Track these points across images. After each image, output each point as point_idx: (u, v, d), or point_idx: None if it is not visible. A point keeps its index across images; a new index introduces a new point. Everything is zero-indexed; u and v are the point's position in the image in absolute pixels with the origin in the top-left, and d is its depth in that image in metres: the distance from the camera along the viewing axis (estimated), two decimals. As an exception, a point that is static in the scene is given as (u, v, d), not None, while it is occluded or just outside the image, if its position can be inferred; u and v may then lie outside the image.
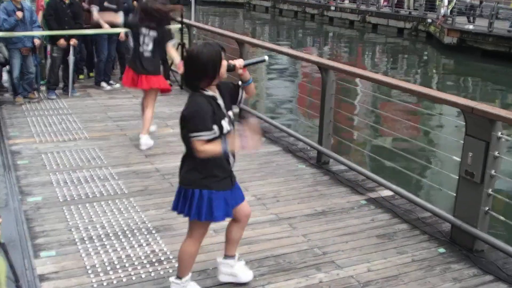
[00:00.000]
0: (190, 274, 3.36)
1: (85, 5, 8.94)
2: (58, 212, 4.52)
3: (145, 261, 3.80)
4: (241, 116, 7.07)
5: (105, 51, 9.00)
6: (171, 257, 3.87)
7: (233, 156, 3.23)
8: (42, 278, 3.54)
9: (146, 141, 6.26)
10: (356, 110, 12.75)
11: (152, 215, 4.54)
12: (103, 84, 9.19)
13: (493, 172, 3.91)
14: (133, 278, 3.59)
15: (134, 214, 4.55)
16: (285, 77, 16.90)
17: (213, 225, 4.30)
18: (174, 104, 8.24)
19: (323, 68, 5.73)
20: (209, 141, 3.00)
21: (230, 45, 8.08)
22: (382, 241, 4.23)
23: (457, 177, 4.19)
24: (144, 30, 6.17)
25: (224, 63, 3.08)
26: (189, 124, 3.04)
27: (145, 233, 4.22)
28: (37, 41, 7.98)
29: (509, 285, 3.67)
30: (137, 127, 6.93)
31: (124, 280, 3.56)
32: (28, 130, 6.78)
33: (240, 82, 3.27)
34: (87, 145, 6.28)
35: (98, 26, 8.73)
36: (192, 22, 9.87)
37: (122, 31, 9.12)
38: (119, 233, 4.20)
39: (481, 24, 22.92)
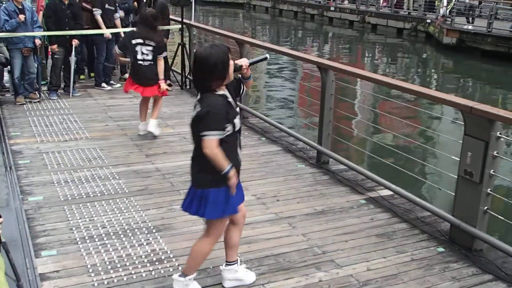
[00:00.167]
0: (195, 274, 3.38)
1: (85, 5, 8.95)
2: (59, 212, 4.54)
3: (145, 260, 3.82)
4: (241, 116, 7.08)
5: (104, 53, 9.02)
6: (171, 256, 3.89)
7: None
8: (43, 277, 3.56)
9: (143, 127, 6.64)
10: (356, 110, 12.77)
11: (152, 214, 4.55)
12: (104, 84, 9.21)
13: (492, 171, 3.93)
14: (134, 277, 3.61)
15: (134, 213, 4.57)
16: (285, 77, 16.91)
17: (213, 225, 4.33)
18: (174, 104, 8.27)
19: (322, 68, 5.75)
20: (221, 140, 3.05)
21: (230, 45, 8.09)
22: (382, 240, 4.25)
23: (456, 177, 4.21)
24: (140, 41, 6.40)
25: (231, 63, 3.13)
26: (204, 123, 3.03)
27: (146, 232, 4.24)
28: (38, 42, 7.99)
29: (508, 284, 3.69)
30: (137, 127, 6.95)
31: (125, 279, 3.58)
32: (29, 130, 6.80)
33: (240, 77, 3.32)
34: (88, 144, 6.30)
35: (98, 27, 8.78)
36: (192, 22, 9.87)
37: (122, 31, 9.16)
38: (120, 232, 4.22)
39: (480, 25, 22.94)
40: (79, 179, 5.26)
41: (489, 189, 3.98)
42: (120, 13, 9.32)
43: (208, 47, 3.10)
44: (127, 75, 9.89)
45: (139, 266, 3.74)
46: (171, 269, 3.71)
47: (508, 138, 4.14)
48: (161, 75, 6.58)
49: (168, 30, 9.50)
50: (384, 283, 3.65)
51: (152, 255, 3.90)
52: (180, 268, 3.72)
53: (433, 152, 9.36)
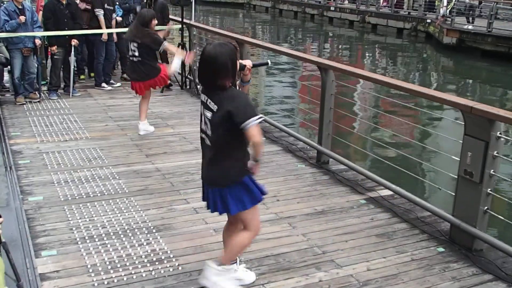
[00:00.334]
0: (235, 264, 3.47)
1: (82, 5, 8.94)
2: (59, 212, 4.54)
3: (145, 260, 3.82)
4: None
5: (103, 53, 9.02)
6: (171, 256, 3.89)
7: None
8: (43, 277, 3.56)
9: (143, 126, 6.76)
10: (356, 110, 12.77)
11: (152, 214, 4.56)
12: (104, 84, 9.21)
13: (492, 171, 3.93)
14: (134, 277, 3.61)
15: (134, 213, 4.57)
16: (285, 77, 16.91)
17: (213, 225, 4.35)
18: (174, 104, 8.27)
19: (322, 68, 5.75)
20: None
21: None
22: (382, 240, 4.25)
23: (456, 177, 4.20)
24: (130, 38, 6.60)
25: (237, 62, 3.16)
26: (242, 113, 3.02)
27: (146, 232, 4.24)
28: (38, 42, 7.99)
29: (508, 284, 3.69)
30: (137, 127, 6.96)
31: (125, 279, 3.58)
32: (29, 130, 6.80)
33: (239, 81, 3.32)
34: (88, 144, 6.30)
35: (97, 27, 8.78)
36: (192, 22, 9.87)
37: (121, 31, 9.16)
38: (120, 232, 4.22)
39: (480, 25, 22.94)
40: (79, 179, 5.27)
41: (489, 189, 3.98)
42: (118, 19, 9.28)
43: (217, 45, 3.10)
44: (126, 75, 9.94)
45: (139, 266, 3.74)
46: (171, 269, 3.71)
47: (508, 138, 4.13)
48: (178, 53, 6.75)
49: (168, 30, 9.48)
50: (384, 283, 3.65)
51: (152, 255, 3.90)
52: (180, 268, 3.72)
53: (433, 152, 9.35)
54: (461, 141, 4.13)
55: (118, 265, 3.74)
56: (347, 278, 3.69)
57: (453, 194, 4.27)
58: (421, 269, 3.84)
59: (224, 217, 4.30)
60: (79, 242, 4.03)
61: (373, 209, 4.83)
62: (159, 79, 6.79)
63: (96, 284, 3.50)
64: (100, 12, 8.75)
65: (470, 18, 24.45)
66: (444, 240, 4.26)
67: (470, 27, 23.40)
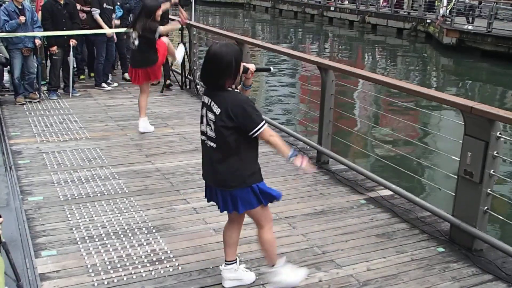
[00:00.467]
0: (280, 259, 3.47)
1: (84, 8, 8.94)
2: (59, 212, 4.54)
3: (145, 260, 3.82)
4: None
5: (104, 53, 9.01)
6: (171, 256, 3.89)
7: None
8: (43, 277, 3.55)
9: (143, 123, 6.82)
10: (356, 110, 12.77)
11: (152, 214, 4.55)
12: (104, 84, 9.22)
13: (492, 171, 3.93)
14: (134, 277, 3.60)
15: (134, 213, 4.57)
16: (285, 77, 16.91)
17: (213, 225, 4.35)
18: (174, 104, 8.27)
19: (322, 68, 5.75)
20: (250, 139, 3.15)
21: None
22: (382, 240, 4.25)
23: (456, 177, 4.21)
24: (134, 27, 6.73)
25: (241, 64, 3.17)
26: (250, 121, 3.06)
27: (146, 232, 4.24)
28: (38, 42, 7.99)
29: (508, 284, 3.69)
30: (137, 127, 6.96)
31: (125, 279, 3.58)
32: (29, 130, 6.80)
33: (240, 85, 3.32)
34: (87, 144, 6.30)
35: (97, 27, 8.77)
36: (192, 22, 9.87)
37: (121, 31, 9.15)
38: (120, 232, 4.22)
39: (480, 25, 22.95)
40: (79, 179, 5.26)
41: (489, 189, 3.98)
42: (116, 22, 9.26)
43: (223, 45, 3.11)
44: (127, 75, 9.94)
45: (139, 266, 3.74)
46: (171, 269, 3.71)
47: (508, 138, 4.13)
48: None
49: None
50: (384, 283, 3.65)
51: (152, 255, 3.90)
52: (180, 268, 3.72)
53: (433, 152, 9.35)
54: (461, 141, 4.13)
55: (118, 265, 3.74)
56: (347, 278, 3.69)
57: (453, 194, 4.27)
58: (421, 269, 3.84)
59: (224, 217, 4.30)
60: (79, 242, 4.03)
61: (373, 209, 4.83)
62: (154, 70, 6.82)
63: (96, 284, 3.50)
64: (95, 11, 8.73)
65: (470, 18, 24.45)
66: (444, 240, 4.26)
67: (470, 27, 23.41)
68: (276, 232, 4.27)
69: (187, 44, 9.28)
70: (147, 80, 6.90)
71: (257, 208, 3.27)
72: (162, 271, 3.68)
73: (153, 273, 3.66)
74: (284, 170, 5.70)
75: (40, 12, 8.69)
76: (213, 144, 3.18)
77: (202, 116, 3.26)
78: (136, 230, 4.27)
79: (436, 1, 26.82)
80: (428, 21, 26.94)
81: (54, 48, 8.17)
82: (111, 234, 4.19)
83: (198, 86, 9.11)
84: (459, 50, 22.48)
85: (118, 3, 9.37)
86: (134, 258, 3.85)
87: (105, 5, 8.84)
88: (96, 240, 4.08)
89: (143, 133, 6.80)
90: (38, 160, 5.74)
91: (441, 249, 4.13)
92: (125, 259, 3.82)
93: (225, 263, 3.51)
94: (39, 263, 3.70)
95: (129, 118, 7.48)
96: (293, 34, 32.96)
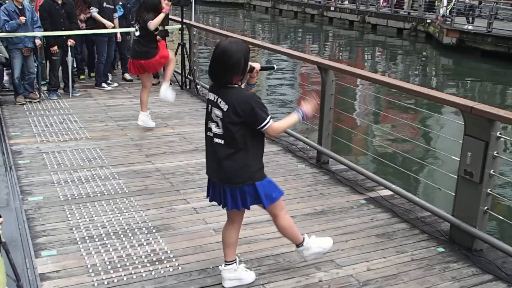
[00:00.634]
0: (305, 235, 3.59)
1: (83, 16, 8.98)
2: (59, 212, 4.54)
3: (145, 260, 3.82)
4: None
5: (105, 53, 9.01)
6: (171, 256, 3.89)
7: None
8: (43, 277, 3.55)
9: (143, 117, 6.85)
10: (356, 110, 12.77)
11: (152, 214, 4.56)
12: (104, 84, 9.22)
13: (492, 171, 3.93)
14: (134, 277, 3.60)
15: (134, 213, 4.57)
16: (285, 77, 16.91)
17: (213, 225, 4.36)
18: (174, 104, 8.25)
19: (322, 68, 5.75)
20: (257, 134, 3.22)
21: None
22: (382, 240, 4.25)
23: (456, 177, 4.21)
24: (137, 19, 6.84)
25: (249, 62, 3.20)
26: (258, 117, 3.11)
27: (146, 232, 4.24)
28: (38, 42, 7.98)
29: (508, 284, 3.69)
30: (137, 127, 6.96)
31: (125, 279, 3.58)
32: (29, 130, 6.80)
33: (245, 83, 3.35)
34: (88, 144, 6.31)
35: (98, 27, 8.77)
36: (192, 22, 9.87)
37: (121, 31, 9.16)
38: (120, 232, 4.22)
39: (480, 25, 22.95)
40: (79, 179, 5.27)
41: (489, 189, 3.98)
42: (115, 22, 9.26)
43: (233, 42, 3.14)
44: (127, 75, 9.95)
45: (139, 266, 3.74)
46: (171, 269, 3.71)
47: (508, 138, 4.13)
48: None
49: (167, 30, 9.49)
50: (384, 283, 3.65)
51: (152, 255, 3.90)
52: (180, 268, 3.72)
53: (433, 152, 9.36)
54: (461, 141, 4.13)
55: (118, 265, 3.74)
56: (347, 278, 3.69)
57: (453, 194, 4.27)
58: (421, 269, 3.84)
59: (224, 217, 4.30)
60: (79, 242, 4.03)
61: (373, 209, 4.83)
62: (151, 64, 6.78)
63: (96, 284, 3.50)
64: (94, 10, 8.72)
65: (470, 18, 24.46)
66: (444, 240, 4.26)
67: (470, 27, 23.42)
68: (276, 232, 4.25)
69: (187, 45, 9.29)
70: (141, 73, 6.88)
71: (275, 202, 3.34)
72: (162, 271, 3.68)
73: (153, 273, 3.66)
74: (284, 170, 5.70)
75: (38, 12, 8.69)
76: (220, 141, 3.19)
77: (207, 113, 3.27)
78: (136, 230, 4.27)
79: (436, 1, 26.83)
80: (428, 21, 26.94)
81: (55, 48, 8.17)
82: (111, 234, 4.19)
83: (198, 86, 9.11)
84: (459, 50, 22.48)
85: (120, 3, 9.37)
86: (134, 258, 3.85)
87: (105, 4, 8.82)
88: (96, 240, 4.08)
89: (142, 127, 6.82)
90: (38, 160, 5.74)
91: (441, 249, 4.13)
92: (125, 259, 3.82)
93: (225, 263, 3.51)
94: (39, 263, 3.70)
95: (129, 118, 7.48)
96: (293, 34, 32.96)
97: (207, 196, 3.50)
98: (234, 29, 30.11)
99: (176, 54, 9.33)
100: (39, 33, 8.00)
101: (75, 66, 9.37)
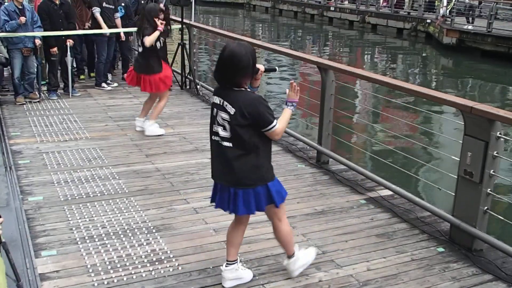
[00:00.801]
0: (295, 245, 3.62)
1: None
2: (59, 212, 4.54)
3: (145, 260, 3.82)
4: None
5: (105, 53, 9.00)
6: (171, 256, 3.89)
7: None
8: (43, 277, 3.56)
9: (150, 127, 6.73)
10: (356, 110, 12.77)
11: (152, 214, 4.56)
12: (104, 84, 9.22)
13: (492, 171, 3.93)
14: (134, 277, 3.60)
15: (134, 213, 4.57)
16: (285, 77, 16.91)
17: (213, 225, 4.36)
18: (174, 104, 8.26)
19: (322, 68, 5.75)
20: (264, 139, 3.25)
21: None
22: (382, 240, 4.25)
23: (456, 177, 4.21)
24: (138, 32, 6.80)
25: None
26: (265, 120, 3.14)
27: (146, 232, 4.24)
28: (38, 42, 7.98)
29: (508, 284, 3.69)
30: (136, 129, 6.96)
31: (125, 279, 3.58)
32: (29, 130, 6.80)
33: (247, 86, 3.34)
34: (87, 144, 6.30)
35: (98, 27, 8.77)
36: (192, 22, 9.87)
37: (121, 31, 9.16)
38: (120, 232, 4.22)
39: (480, 25, 22.95)
40: (79, 179, 5.27)
41: (489, 189, 3.98)
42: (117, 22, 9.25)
43: (241, 45, 3.16)
44: (127, 75, 9.94)
45: (139, 266, 3.74)
46: (171, 269, 3.71)
47: (508, 138, 4.13)
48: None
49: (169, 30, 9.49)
50: (384, 283, 3.65)
51: (152, 255, 3.90)
52: (180, 268, 3.72)
53: (433, 152, 9.36)
54: (461, 141, 4.13)
55: (118, 265, 3.74)
56: (347, 278, 3.69)
57: (453, 194, 4.27)
58: (421, 269, 3.84)
59: (224, 217, 4.31)
60: (79, 242, 4.03)
61: (373, 209, 4.83)
62: (152, 80, 6.60)
63: (96, 284, 3.50)
64: (96, 10, 8.72)
65: (470, 18, 24.46)
66: (444, 240, 4.26)
67: (470, 27, 23.42)
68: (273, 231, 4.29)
69: (187, 45, 9.30)
70: (137, 85, 6.77)
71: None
72: (162, 271, 3.68)
73: (153, 273, 3.66)
74: (284, 170, 5.70)
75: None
76: (228, 144, 3.19)
77: (213, 117, 3.27)
78: (136, 230, 4.27)
79: (436, 1, 26.83)
80: (428, 21, 26.94)
81: (55, 49, 8.16)
82: (111, 234, 4.19)
83: (198, 86, 9.11)
84: (459, 50, 22.48)
85: (123, 4, 9.36)
86: (134, 258, 3.85)
87: (104, 4, 8.81)
88: (96, 240, 4.08)
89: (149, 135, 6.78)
90: (38, 160, 5.74)
91: (441, 249, 4.13)
92: (125, 259, 3.82)
93: (227, 263, 3.51)
94: (39, 263, 3.70)
95: (129, 118, 7.47)
96: (293, 34, 32.96)
97: (212, 202, 3.47)
98: (234, 29, 30.11)
99: (176, 54, 9.36)
100: (39, 33, 8.00)
101: (75, 66, 9.38)
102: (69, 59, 8.41)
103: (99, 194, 4.93)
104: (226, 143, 3.20)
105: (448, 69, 21.86)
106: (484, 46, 21.88)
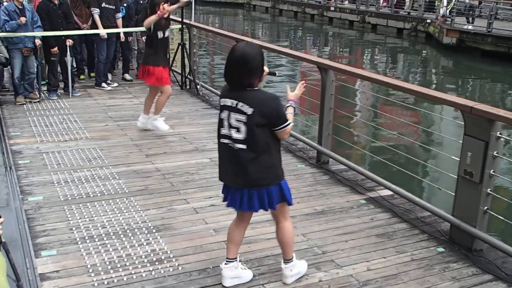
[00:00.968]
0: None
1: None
2: (59, 212, 4.54)
3: (145, 260, 3.82)
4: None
5: (104, 53, 8.99)
6: (171, 256, 3.89)
7: None
8: (43, 277, 3.56)
9: (157, 122, 6.76)
10: (356, 110, 12.77)
11: (152, 214, 4.56)
12: (104, 84, 9.21)
13: (492, 171, 3.93)
14: (134, 277, 3.60)
15: (134, 213, 4.57)
16: (284, 77, 16.90)
17: (213, 225, 4.36)
18: (174, 104, 8.26)
19: (322, 68, 5.75)
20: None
21: (230, 45, 8.10)
22: (382, 240, 4.25)
23: (456, 177, 4.21)
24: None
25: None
26: (282, 118, 3.19)
27: (146, 232, 4.24)
28: (38, 42, 7.98)
29: (508, 284, 3.69)
30: (137, 127, 6.96)
31: (125, 279, 3.58)
32: (29, 130, 6.80)
33: None
34: (87, 144, 6.30)
35: (97, 27, 8.76)
36: (192, 22, 9.87)
37: (120, 31, 9.15)
38: (120, 232, 4.22)
39: (480, 25, 22.95)
40: (79, 179, 5.27)
41: (489, 189, 3.98)
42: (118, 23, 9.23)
43: (251, 45, 3.19)
44: (127, 76, 9.96)
45: (139, 266, 3.74)
46: (171, 269, 3.71)
47: (508, 138, 4.13)
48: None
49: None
50: (384, 283, 3.65)
51: (152, 255, 3.90)
52: (180, 268, 3.72)
53: (433, 152, 9.36)
54: (461, 141, 4.14)
55: (118, 265, 3.74)
56: (347, 278, 3.69)
57: (453, 194, 4.27)
58: (421, 269, 3.84)
59: (224, 217, 4.31)
60: (79, 242, 4.03)
61: (373, 209, 4.83)
62: (150, 71, 6.62)
63: (96, 284, 3.50)
64: (95, 11, 8.71)
65: (470, 18, 24.46)
66: (444, 240, 4.26)
67: (470, 27, 23.42)
68: (276, 232, 4.28)
69: (187, 45, 9.30)
70: (147, 78, 6.75)
71: (285, 203, 3.40)
72: (162, 271, 3.68)
73: (153, 273, 3.66)
74: (284, 170, 5.67)
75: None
76: (242, 146, 3.17)
77: (222, 120, 3.24)
78: (136, 230, 4.27)
79: (436, 1, 26.83)
80: (428, 21, 26.94)
81: (55, 49, 8.16)
82: (111, 234, 4.19)
83: (198, 86, 9.11)
84: (459, 50, 22.48)
85: (125, 4, 9.34)
86: (134, 258, 3.85)
87: (103, 4, 8.79)
88: (96, 240, 4.08)
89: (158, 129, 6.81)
90: (38, 160, 5.74)
91: (441, 249, 4.13)
92: (125, 259, 3.82)
93: (226, 261, 3.51)
94: (39, 263, 3.71)
95: (129, 118, 7.48)
96: (293, 34, 32.96)
97: (224, 201, 3.46)
98: (234, 29, 30.10)
99: (176, 54, 9.36)
100: (39, 33, 8.00)
101: (75, 66, 9.38)
102: (69, 59, 8.41)
103: (99, 194, 4.93)
104: (239, 145, 3.18)
105: (448, 69, 21.86)
106: (484, 46, 21.88)
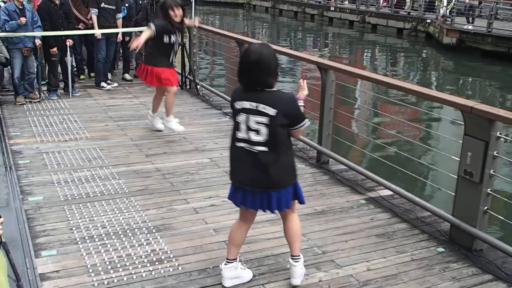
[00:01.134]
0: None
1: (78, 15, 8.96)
2: (59, 212, 4.54)
3: (145, 260, 3.82)
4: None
5: (103, 52, 8.98)
6: (171, 256, 3.89)
7: None
8: (43, 277, 3.56)
9: (171, 124, 6.68)
10: (356, 110, 12.77)
11: (152, 214, 4.56)
12: (104, 84, 9.21)
13: (492, 171, 3.93)
14: (134, 277, 3.61)
15: (134, 213, 4.57)
16: (285, 77, 16.91)
17: (213, 225, 4.36)
18: (174, 104, 8.24)
19: (322, 68, 5.75)
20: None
21: (230, 45, 8.11)
22: (382, 240, 4.25)
23: (456, 177, 4.21)
24: None
25: None
26: (300, 115, 3.25)
27: (146, 232, 4.24)
28: (38, 42, 7.98)
29: (508, 284, 3.69)
30: (137, 127, 6.97)
31: (125, 279, 3.58)
32: (29, 130, 6.80)
33: None
34: (88, 144, 6.30)
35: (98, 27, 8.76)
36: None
37: (119, 31, 9.15)
38: (120, 232, 4.22)
39: (480, 25, 22.95)
40: (79, 179, 5.27)
41: (489, 189, 3.98)
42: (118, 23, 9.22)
43: (265, 46, 3.25)
44: (127, 75, 9.96)
45: (139, 266, 3.74)
46: (171, 269, 3.71)
47: (508, 138, 4.13)
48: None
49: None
50: (384, 283, 3.65)
51: (152, 255, 3.90)
52: (180, 268, 3.72)
53: (433, 152, 9.36)
54: (461, 141, 4.14)
55: (118, 265, 3.74)
56: (347, 278, 3.69)
57: (453, 194, 4.27)
58: (421, 269, 3.84)
59: (224, 217, 4.31)
60: (79, 242, 4.03)
61: (373, 209, 4.83)
62: (145, 71, 6.59)
63: (96, 284, 3.50)
64: (94, 12, 8.70)
65: (470, 18, 24.46)
66: (444, 240, 4.26)
67: (470, 27, 23.41)
68: (276, 232, 4.29)
69: (187, 45, 9.29)
70: (137, 73, 6.76)
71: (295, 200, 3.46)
72: (162, 271, 3.68)
73: (153, 273, 3.66)
74: (284, 170, 5.69)
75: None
76: (263, 148, 3.16)
77: (239, 123, 3.22)
78: (136, 230, 4.27)
79: (436, 1, 26.82)
80: (428, 21, 26.93)
81: (55, 49, 8.16)
82: (111, 234, 4.19)
83: (198, 86, 9.11)
84: (459, 50, 22.48)
85: (126, 4, 9.33)
86: (134, 258, 3.85)
87: (103, 5, 8.77)
88: (96, 240, 4.08)
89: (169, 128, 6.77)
90: (38, 160, 5.74)
91: (441, 249, 4.14)
92: (125, 259, 3.82)
93: (226, 261, 3.51)
94: (39, 263, 3.71)
95: (129, 118, 7.48)
96: (293, 34, 32.96)
97: (240, 204, 3.41)
98: (234, 29, 30.11)
99: (176, 54, 9.35)
100: (39, 33, 8.00)
101: (75, 66, 9.37)
102: (69, 59, 8.41)
103: (99, 194, 4.93)
104: (259, 148, 3.17)
105: (448, 69, 21.86)
106: (484, 46, 21.88)
